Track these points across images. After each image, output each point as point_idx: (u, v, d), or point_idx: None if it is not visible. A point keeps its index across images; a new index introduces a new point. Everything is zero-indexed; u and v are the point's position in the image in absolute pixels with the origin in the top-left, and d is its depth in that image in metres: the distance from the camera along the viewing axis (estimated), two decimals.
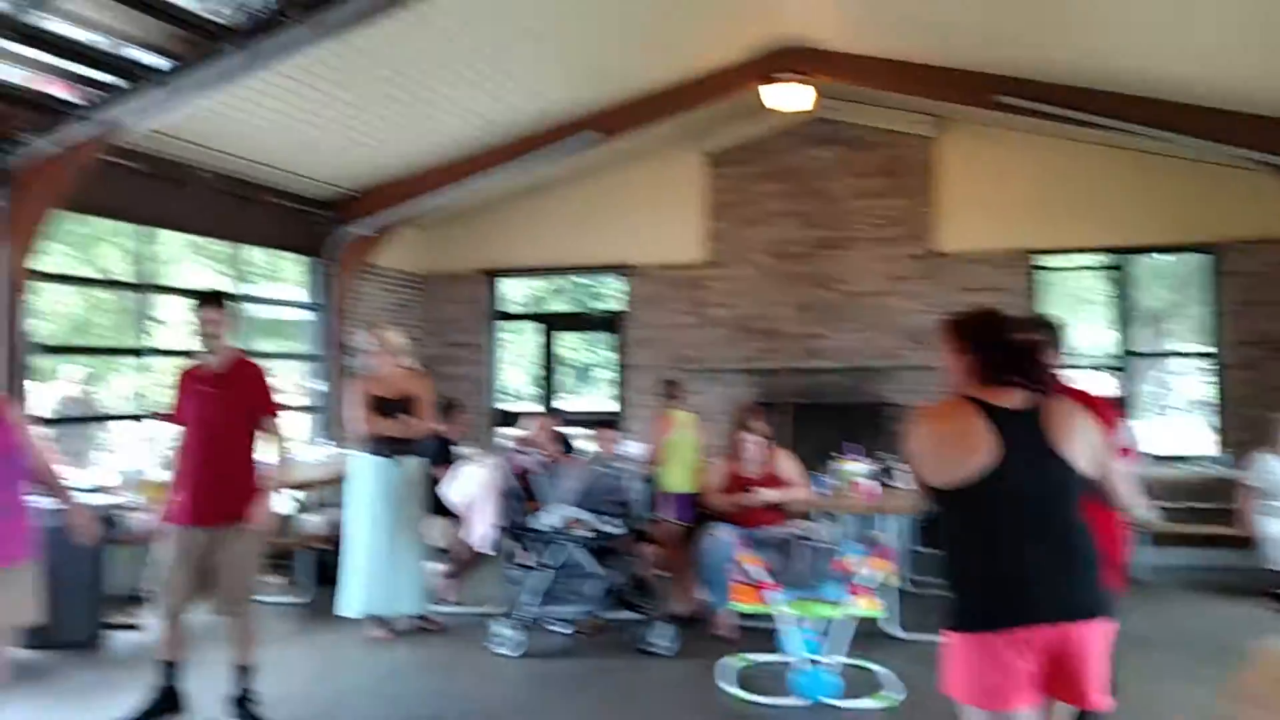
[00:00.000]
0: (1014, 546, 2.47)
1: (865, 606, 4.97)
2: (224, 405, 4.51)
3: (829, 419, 9.55)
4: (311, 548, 7.20)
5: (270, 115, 7.09)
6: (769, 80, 8.31)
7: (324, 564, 7.25)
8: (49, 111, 5.93)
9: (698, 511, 6.38)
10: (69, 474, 4.97)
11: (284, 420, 4.71)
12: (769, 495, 5.85)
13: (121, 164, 6.79)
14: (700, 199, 10.14)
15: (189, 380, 4.61)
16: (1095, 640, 2.47)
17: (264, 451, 4.63)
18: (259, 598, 4.77)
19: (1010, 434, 2.51)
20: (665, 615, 5.78)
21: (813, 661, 4.83)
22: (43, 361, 6.90)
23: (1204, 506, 8.07)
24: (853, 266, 9.70)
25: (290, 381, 9.16)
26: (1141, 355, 9.75)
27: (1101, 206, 9.03)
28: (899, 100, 9.04)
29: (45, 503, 4.11)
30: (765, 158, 9.95)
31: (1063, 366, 3.43)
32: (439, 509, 6.62)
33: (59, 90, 5.95)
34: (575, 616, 5.84)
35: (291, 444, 4.90)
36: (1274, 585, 6.64)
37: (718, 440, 7.93)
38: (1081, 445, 2.55)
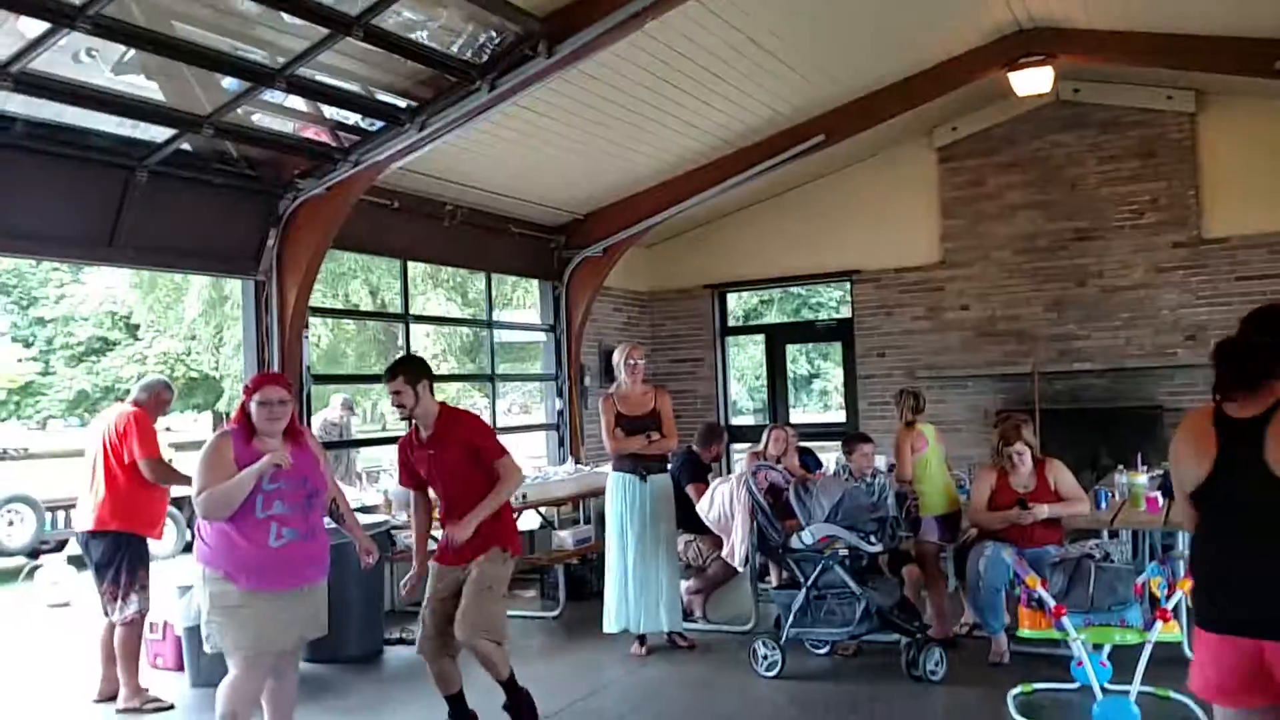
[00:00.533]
0: (1224, 557, 2.51)
1: (1167, 630, 4.50)
2: (444, 464, 4.44)
3: (1088, 426, 8.89)
4: (561, 562, 7.31)
5: (506, 145, 7.30)
6: (1008, 66, 7.84)
7: (574, 579, 7.38)
8: (315, 157, 6.32)
9: (960, 532, 6.04)
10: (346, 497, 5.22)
11: (509, 461, 4.50)
12: (1047, 511, 5.40)
13: (376, 201, 7.17)
14: (931, 196, 9.71)
15: (409, 446, 4.57)
16: None
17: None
18: (498, 627, 4.46)
19: (1229, 446, 2.47)
20: (930, 639, 5.46)
21: (1105, 691, 4.41)
22: (313, 390, 7.37)
23: None
24: (1109, 259, 8.98)
25: (529, 402, 9.43)
26: None
27: None
28: (1153, 76, 8.32)
29: (328, 524, 4.31)
30: (1002, 148, 9.41)
31: None
32: (688, 525, 6.57)
33: (323, 137, 6.34)
34: (836, 638, 5.63)
35: (514, 483, 4.60)
36: None
37: (959, 452, 7.54)
38: None
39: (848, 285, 10.35)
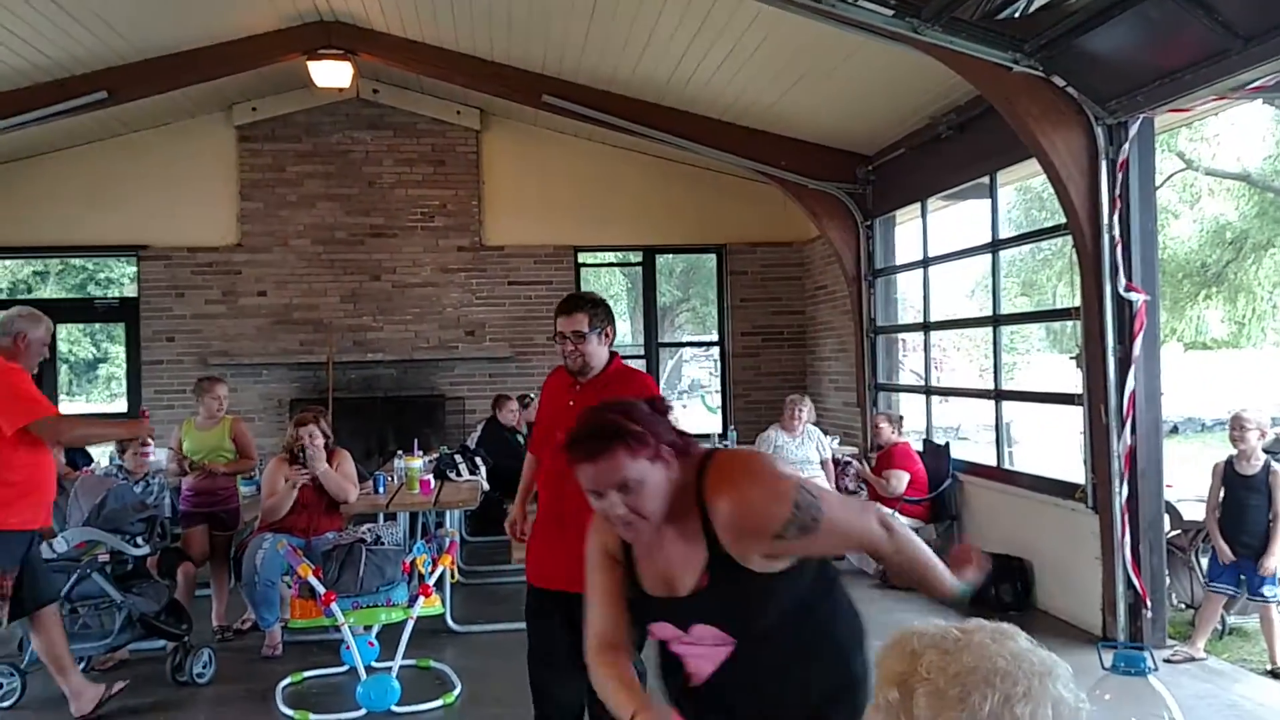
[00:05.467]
0: None
1: (429, 605, 4.84)
2: None
3: (379, 413, 9.29)
4: None
5: None
6: (308, 55, 7.81)
7: None
8: None
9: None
10: None
11: None
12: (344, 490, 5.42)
13: None
14: (230, 175, 9.30)
15: None
16: None
17: None
18: None
19: None
20: (204, 640, 5.18)
21: (371, 670, 4.60)
22: None
23: None
24: (402, 256, 9.49)
25: None
26: (663, 345, 10.67)
27: (632, 208, 9.71)
28: (446, 89, 8.99)
29: None
30: (302, 136, 9.38)
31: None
32: None
33: None
34: (93, 652, 5.02)
35: None
36: None
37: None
38: None
39: (135, 261, 9.43)
